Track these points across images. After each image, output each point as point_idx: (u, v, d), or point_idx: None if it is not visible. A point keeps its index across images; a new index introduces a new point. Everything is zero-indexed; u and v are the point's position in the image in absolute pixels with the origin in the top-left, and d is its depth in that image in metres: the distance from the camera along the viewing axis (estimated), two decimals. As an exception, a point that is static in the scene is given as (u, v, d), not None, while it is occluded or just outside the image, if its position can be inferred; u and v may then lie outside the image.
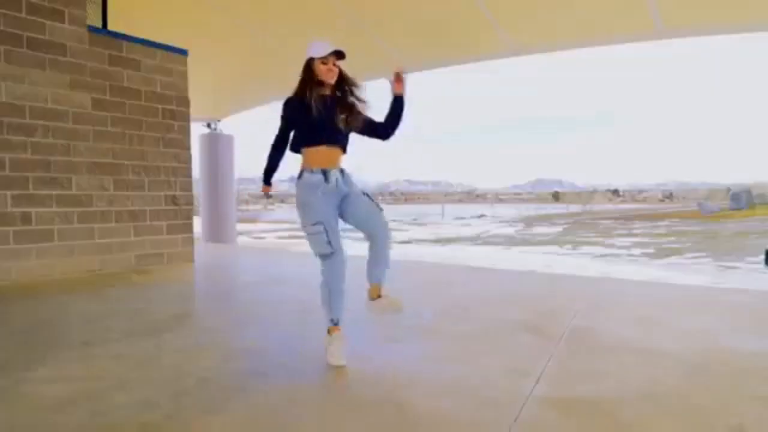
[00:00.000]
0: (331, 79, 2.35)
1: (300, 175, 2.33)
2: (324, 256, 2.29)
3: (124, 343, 2.67)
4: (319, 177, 2.29)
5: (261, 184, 2.58)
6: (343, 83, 2.39)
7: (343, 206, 2.36)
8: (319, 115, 2.27)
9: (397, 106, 2.39)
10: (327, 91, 2.36)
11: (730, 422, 1.72)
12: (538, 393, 1.98)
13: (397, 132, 2.44)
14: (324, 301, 2.36)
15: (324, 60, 2.33)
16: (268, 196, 2.60)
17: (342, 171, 2.38)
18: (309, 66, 2.36)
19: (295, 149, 2.39)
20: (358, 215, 2.37)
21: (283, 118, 2.42)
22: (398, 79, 2.36)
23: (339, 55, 2.33)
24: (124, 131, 5.28)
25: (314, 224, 2.25)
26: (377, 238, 2.39)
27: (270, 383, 2.10)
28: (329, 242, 2.26)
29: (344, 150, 2.40)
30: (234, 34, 7.34)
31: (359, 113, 2.38)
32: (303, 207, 2.31)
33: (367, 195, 2.42)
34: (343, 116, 2.32)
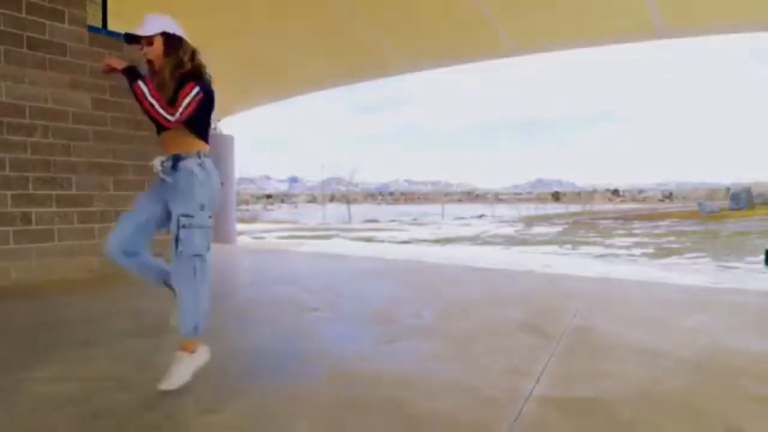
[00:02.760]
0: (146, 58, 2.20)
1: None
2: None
3: (124, 343, 2.67)
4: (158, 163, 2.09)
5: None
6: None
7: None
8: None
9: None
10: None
11: (730, 422, 1.72)
12: (538, 393, 1.98)
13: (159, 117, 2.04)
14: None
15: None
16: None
17: (176, 158, 2.06)
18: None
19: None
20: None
21: None
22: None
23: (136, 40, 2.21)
24: (124, 131, 5.27)
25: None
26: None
27: (270, 383, 2.10)
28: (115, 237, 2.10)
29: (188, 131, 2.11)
30: (234, 34, 7.34)
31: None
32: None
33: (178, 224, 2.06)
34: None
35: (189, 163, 2.05)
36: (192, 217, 2.05)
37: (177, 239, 2.04)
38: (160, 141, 2.12)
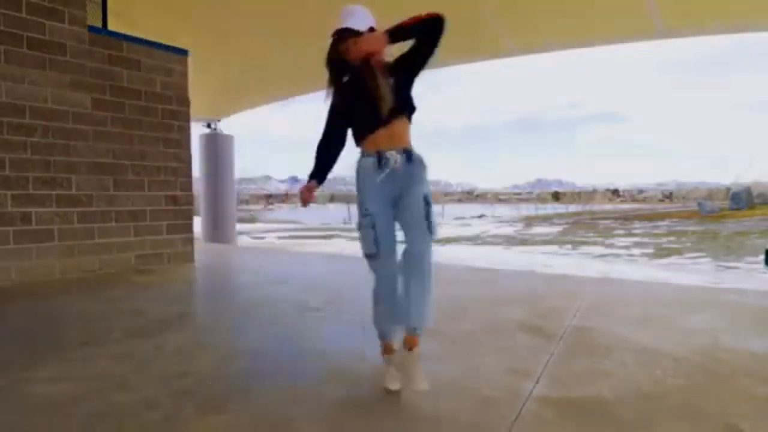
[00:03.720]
0: (351, 57, 1.96)
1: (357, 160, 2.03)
2: (368, 256, 1.99)
3: (124, 343, 2.67)
4: (372, 160, 1.94)
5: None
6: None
7: (397, 203, 1.97)
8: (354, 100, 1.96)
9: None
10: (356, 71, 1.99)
11: (730, 422, 1.72)
12: (538, 393, 1.98)
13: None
14: (374, 315, 2.10)
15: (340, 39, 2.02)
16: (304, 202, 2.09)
17: (407, 153, 1.95)
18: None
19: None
20: (403, 218, 1.97)
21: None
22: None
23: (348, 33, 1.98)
24: (124, 131, 5.27)
25: (363, 215, 1.96)
26: (410, 259, 1.94)
27: (270, 383, 2.10)
28: (375, 241, 1.93)
29: (408, 119, 1.99)
30: (234, 34, 7.34)
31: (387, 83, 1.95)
32: (358, 193, 2.00)
33: (426, 199, 1.94)
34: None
35: (418, 155, 1.99)
36: (431, 203, 1.95)
37: (429, 220, 1.91)
38: (382, 135, 1.94)
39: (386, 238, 1.95)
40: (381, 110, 1.90)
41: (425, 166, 2.00)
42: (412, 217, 1.92)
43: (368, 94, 1.91)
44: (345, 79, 2.04)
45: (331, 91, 2.06)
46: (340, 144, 2.11)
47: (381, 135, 1.94)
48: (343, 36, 1.97)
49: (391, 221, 1.98)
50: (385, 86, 1.91)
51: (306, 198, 2.07)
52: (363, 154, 1.99)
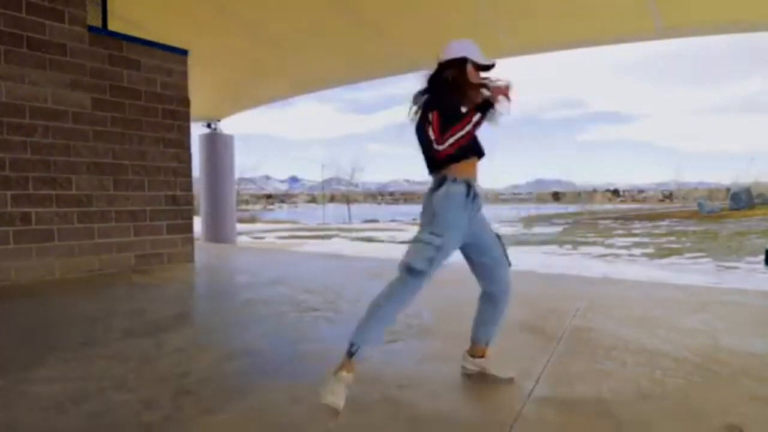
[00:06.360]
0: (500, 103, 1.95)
1: (449, 184, 1.94)
2: (411, 271, 1.88)
3: (124, 343, 2.67)
4: (464, 188, 1.96)
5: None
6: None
7: (473, 238, 2.03)
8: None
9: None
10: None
11: (730, 422, 1.72)
12: (538, 393, 1.98)
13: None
14: (369, 319, 1.91)
15: (483, 67, 2.05)
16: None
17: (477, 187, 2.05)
18: (464, 68, 2.02)
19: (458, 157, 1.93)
20: (482, 242, 2.04)
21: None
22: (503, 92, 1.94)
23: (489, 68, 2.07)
24: (124, 131, 5.27)
25: (435, 234, 1.89)
26: (497, 287, 2.10)
27: (270, 383, 2.10)
28: (431, 260, 1.87)
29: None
30: (234, 34, 7.34)
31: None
32: (439, 215, 1.92)
33: (499, 237, 2.12)
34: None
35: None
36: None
37: (506, 254, 2.10)
38: (474, 168, 2.03)
39: (440, 266, 1.95)
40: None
41: None
42: (493, 254, 2.06)
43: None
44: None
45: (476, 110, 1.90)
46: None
47: (475, 165, 2.02)
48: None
49: (452, 252, 1.98)
50: None
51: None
52: (454, 180, 1.94)
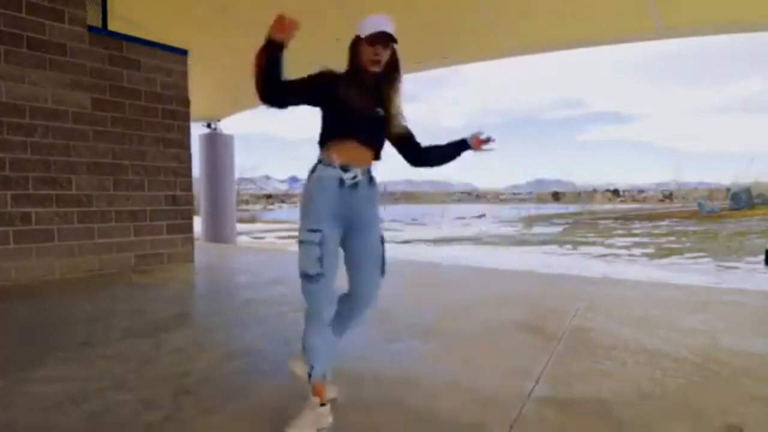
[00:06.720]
0: (374, 68, 1.80)
1: (314, 168, 1.78)
2: (307, 277, 1.69)
3: (124, 343, 2.67)
4: (336, 173, 1.73)
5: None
6: (393, 76, 1.88)
7: (348, 229, 1.78)
8: (352, 104, 1.76)
9: (455, 152, 1.96)
10: (371, 82, 1.83)
11: (730, 422, 1.72)
12: (538, 393, 1.99)
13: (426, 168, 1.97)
14: (309, 345, 1.75)
15: (370, 42, 1.79)
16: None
17: (370, 175, 1.83)
18: (355, 46, 1.85)
19: (322, 141, 1.80)
20: (356, 251, 1.80)
21: (310, 78, 1.82)
22: (482, 141, 1.94)
23: (387, 39, 1.80)
24: (124, 131, 5.27)
25: (311, 230, 1.70)
26: (358, 299, 1.83)
27: (270, 383, 2.10)
28: (320, 259, 1.67)
29: (377, 155, 1.85)
30: (234, 34, 7.33)
31: (398, 115, 1.86)
32: (307, 204, 1.75)
33: (383, 243, 1.85)
34: (381, 113, 1.82)
35: (375, 178, 1.87)
36: (384, 241, 1.86)
37: (383, 257, 1.83)
38: (358, 148, 1.78)
39: (332, 260, 1.71)
40: (387, 123, 1.82)
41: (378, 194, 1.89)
42: (366, 251, 1.80)
43: (381, 103, 1.82)
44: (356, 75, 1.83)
45: (330, 72, 1.82)
46: (276, 91, 1.84)
47: (356, 148, 1.76)
48: (383, 40, 1.80)
49: (337, 244, 1.76)
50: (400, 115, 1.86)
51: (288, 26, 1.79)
52: (324, 163, 1.76)
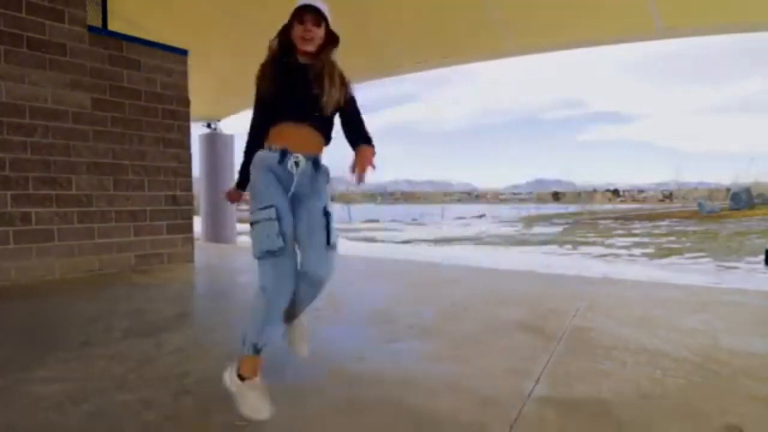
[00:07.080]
0: (306, 47, 1.81)
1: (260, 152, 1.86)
2: (270, 253, 1.71)
3: (124, 343, 2.67)
4: (275, 155, 1.77)
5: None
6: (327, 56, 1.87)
7: (291, 202, 1.81)
8: (283, 85, 1.81)
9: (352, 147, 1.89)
10: (304, 59, 1.86)
11: (730, 422, 1.72)
12: (538, 393, 1.98)
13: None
14: (253, 317, 1.84)
15: (299, 19, 1.79)
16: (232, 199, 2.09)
17: (315, 161, 1.85)
18: (285, 27, 1.86)
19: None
20: (299, 221, 1.81)
21: (257, 96, 1.92)
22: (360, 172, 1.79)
23: (313, 13, 1.78)
24: (124, 131, 5.27)
25: (263, 208, 1.73)
26: (307, 279, 1.80)
27: (270, 383, 2.09)
28: (281, 234, 1.70)
29: (324, 135, 1.87)
30: (234, 34, 7.34)
31: (335, 90, 1.84)
32: (253, 186, 1.81)
33: (327, 215, 1.84)
34: (315, 92, 1.81)
35: (326, 167, 1.91)
36: (330, 213, 1.86)
37: (329, 231, 1.81)
38: (298, 134, 1.81)
39: (291, 233, 1.76)
40: (320, 104, 1.80)
41: (329, 179, 1.91)
42: (309, 219, 1.80)
43: (312, 85, 1.81)
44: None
45: (264, 73, 1.89)
46: (262, 135, 1.89)
47: (297, 133, 1.80)
48: (311, 12, 1.78)
49: (291, 216, 1.79)
50: (336, 91, 1.83)
51: (234, 198, 2.09)
52: (268, 148, 1.82)
